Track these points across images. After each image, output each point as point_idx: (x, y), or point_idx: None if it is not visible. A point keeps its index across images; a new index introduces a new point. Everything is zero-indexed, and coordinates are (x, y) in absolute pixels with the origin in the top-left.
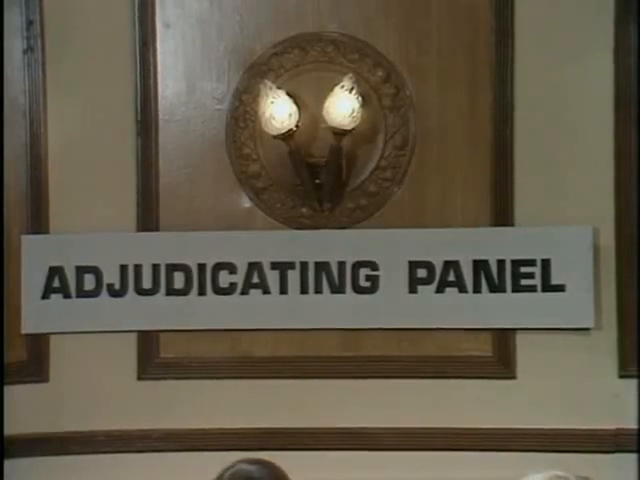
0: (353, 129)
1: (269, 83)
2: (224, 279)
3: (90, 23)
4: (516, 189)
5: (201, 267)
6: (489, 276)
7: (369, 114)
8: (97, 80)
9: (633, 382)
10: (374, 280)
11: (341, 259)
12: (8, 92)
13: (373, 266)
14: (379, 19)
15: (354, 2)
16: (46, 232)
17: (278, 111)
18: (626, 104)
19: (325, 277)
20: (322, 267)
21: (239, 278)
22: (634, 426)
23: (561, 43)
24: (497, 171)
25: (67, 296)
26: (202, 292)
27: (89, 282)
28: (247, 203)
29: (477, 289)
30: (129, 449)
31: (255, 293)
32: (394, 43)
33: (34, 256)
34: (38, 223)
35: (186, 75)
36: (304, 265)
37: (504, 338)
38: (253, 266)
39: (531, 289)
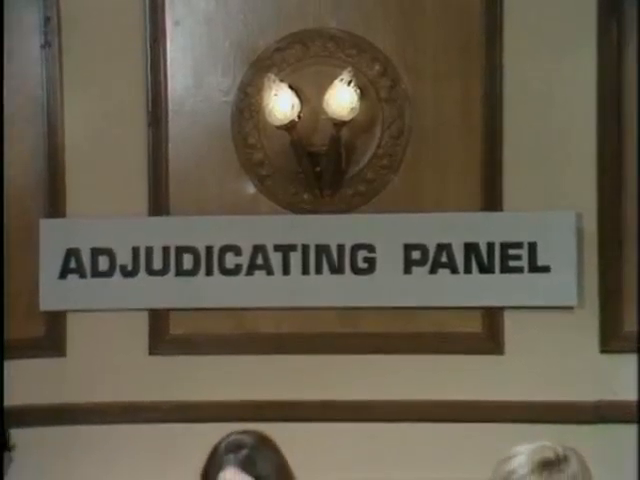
0: (352, 120)
1: (272, 77)
2: (230, 261)
3: (104, 20)
4: (505, 177)
5: (208, 249)
6: (479, 258)
7: (367, 106)
8: (110, 74)
9: (614, 357)
10: (371, 262)
11: (340, 242)
12: (26, 85)
13: (370, 248)
14: (377, 16)
15: (353, 0)
16: (63, 216)
17: (281, 103)
18: (608, 96)
19: (325, 259)
20: (322, 249)
21: (244, 260)
22: (614, 398)
23: (547, 40)
24: (487, 159)
25: (83, 276)
26: (209, 273)
27: (103, 263)
28: (251, 189)
29: (468, 270)
30: (140, 420)
31: (259, 274)
32: (391, 39)
33: (52, 239)
34: (55, 208)
35: (194, 70)
36: (305, 248)
37: (493, 316)
38: (257, 248)
39: (518, 270)
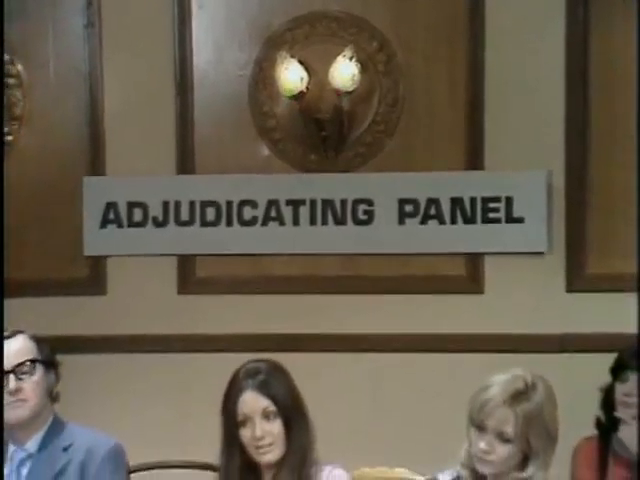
0: (353, 91)
1: (284, 53)
2: (247, 213)
3: (138, 4)
4: (485, 140)
5: (229, 203)
6: (463, 211)
7: (366, 78)
8: (144, 50)
9: (577, 296)
10: (370, 214)
11: (343, 197)
12: (71, 60)
13: (369, 203)
14: None
15: None
16: (103, 174)
17: (291, 76)
18: (575, 68)
19: (330, 212)
20: (327, 204)
21: (260, 212)
22: (577, 331)
23: (522, 19)
24: (470, 125)
25: (120, 226)
26: (229, 224)
27: (138, 215)
28: (265, 151)
29: (453, 221)
30: (170, 350)
31: (273, 225)
32: (386, 19)
33: (93, 194)
34: (96, 167)
35: (215, 47)
36: (313, 202)
37: (475, 261)
38: (271, 203)
39: (497, 221)
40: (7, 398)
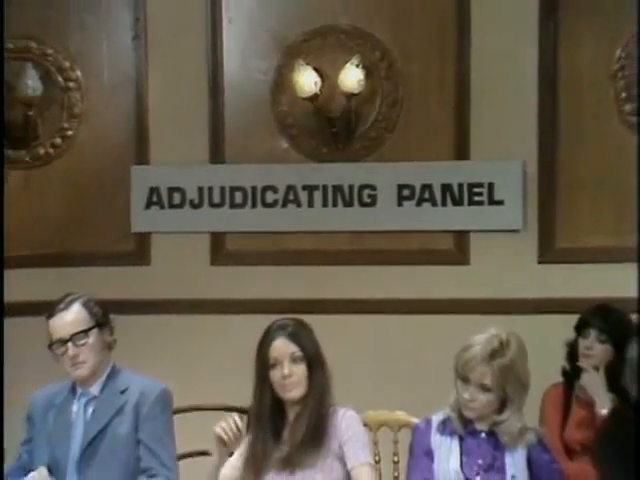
0: (359, 93)
1: (300, 61)
2: (269, 197)
3: (177, 20)
4: (471, 135)
5: (253, 188)
6: (452, 194)
7: (370, 82)
8: (182, 58)
9: (547, 266)
10: (373, 198)
11: (350, 183)
12: (122, 66)
13: (372, 188)
14: (377, 15)
15: (359, 3)
16: (147, 164)
17: (306, 80)
18: (546, 75)
19: (339, 195)
20: (337, 188)
21: (280, 196)
22: (547, 296)
23: (502, 34)
24: (458, 122)
25: (162, 207)
26: (254, 206)
27: (177, 198)
28: (284, 145)
29: (444, 204)
30: (205, 312)
31: (291, 206)
32: (387, 32)
33: (140, 180)
34: (142, 157)
35: (242, 55)
36: (325, 187)
37: (462, 237)
38: (289, 188)
39: (480, 203)
40: (68, 361)
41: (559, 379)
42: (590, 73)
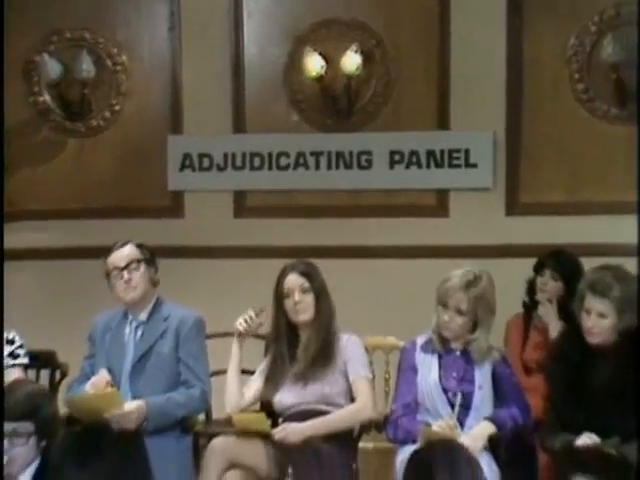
0: (358, 75)
1: (308, 48)
2: (283, 161)
3: (206, 13)
4: (451, 109)
5: (269, 154)
6: (435, 159)
7: (367, 66)
8: (210, 45)
9: (513, 218)
10: (369, 162)
11: (350, 150)
12: (159, 54)
13: (369, 153)
14: (373, 10)
15: (358, 0)
16: (181, 133)
17: (314, 64)
18: (513, 61)
19: (341, 160)
20: (340, 154)
21: (291, 160)
22: (513, 242)
23: (476, 27)
24: (441, 99)
25: (194, 170)
26: (270, 168)
27: (206, 162)
28: (295, 117)
29: (428, 166)
30: (231, 257)
31: (301, 169)
32: (381, 24)
33: (175, 147)
34: (177, 128)
35: (259, 43)
36: (329, 153)
37: (443, 194)
38: (299, 154)
39: (459, 166)
40: (122, 285)
41: (520, 310)
42: (549, 59)
